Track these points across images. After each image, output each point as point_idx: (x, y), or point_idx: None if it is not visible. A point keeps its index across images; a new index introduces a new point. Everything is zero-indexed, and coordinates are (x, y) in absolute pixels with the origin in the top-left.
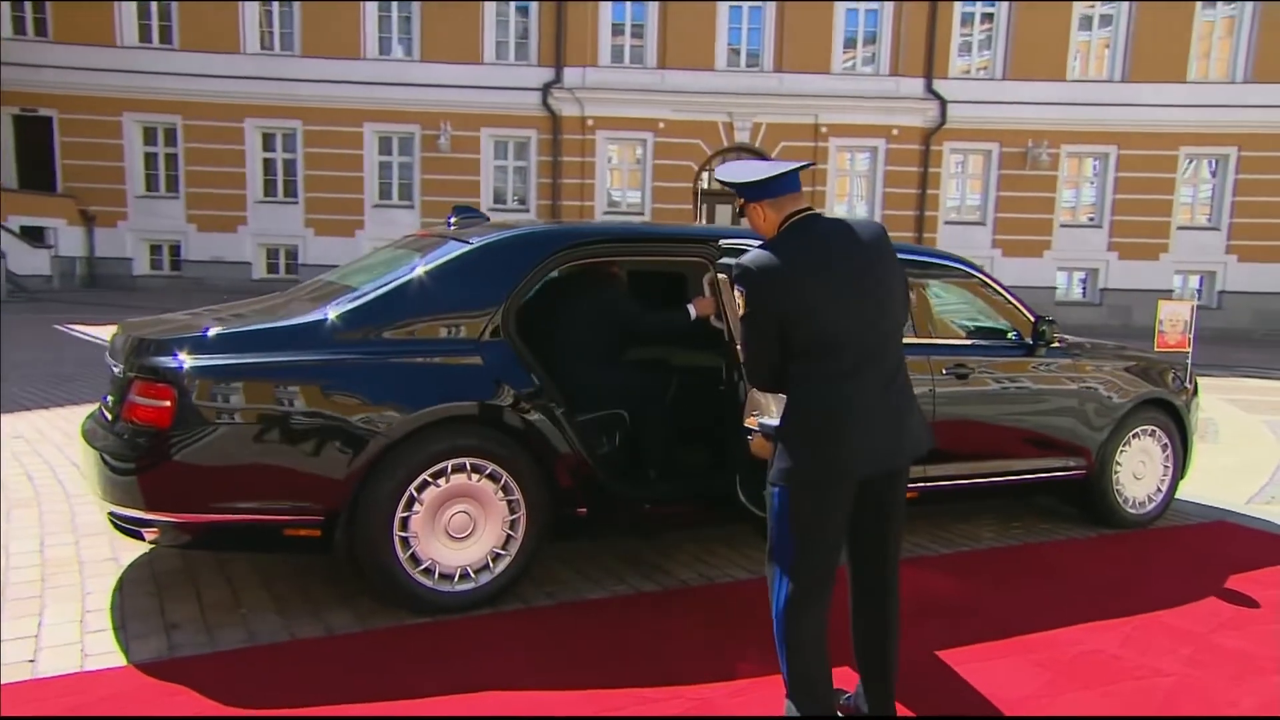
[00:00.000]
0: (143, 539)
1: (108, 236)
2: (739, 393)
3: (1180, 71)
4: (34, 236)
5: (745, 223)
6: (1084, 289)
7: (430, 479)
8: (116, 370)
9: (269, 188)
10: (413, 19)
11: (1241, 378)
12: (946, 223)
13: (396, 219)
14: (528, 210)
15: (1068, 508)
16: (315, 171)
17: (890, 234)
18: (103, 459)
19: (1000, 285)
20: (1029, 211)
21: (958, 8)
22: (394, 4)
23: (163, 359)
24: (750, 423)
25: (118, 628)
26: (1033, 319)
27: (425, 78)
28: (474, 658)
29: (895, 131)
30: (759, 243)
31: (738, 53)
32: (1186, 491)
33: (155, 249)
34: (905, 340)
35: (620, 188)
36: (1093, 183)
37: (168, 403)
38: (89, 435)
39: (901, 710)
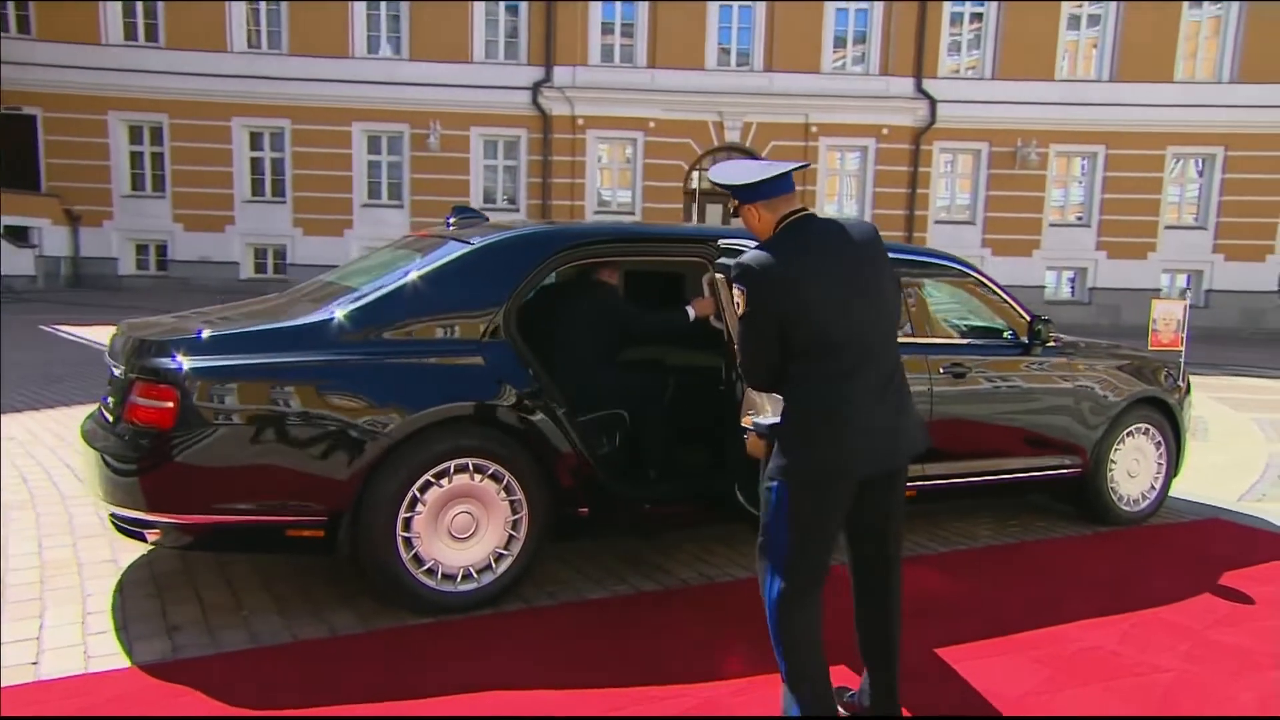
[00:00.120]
0: (145, 540)
1: (93, 236)
2: (737, 392)
3: (1167, 71)
4: (18, 236)
5: (736, 222)
6: (1072, 288)
7: (433, 479)
8: (117, 372)
9: (257, 187)
10: (401, 17)
11: (1230, 376)
12: (936, 222)
13: (386, 218)
14: (518, 210)
15: (1063, 506)
16: (304, 171)
17: (880, 234)
18: (104, 460)
19: (996, 284)
20: (1018, 211)
21: (947, 7)
22: (382, 3)
23: (165, 360)
24: (745, 422)
25: (120, 629)
26: (1029, 318)
27: (414, 77)
28: (478, 658)
29: (885, 131)
30: (756, 243)
31: (728, 52)
32: (1179, 489)
33: (141, 249)
34: (903, 340)
35: (610, 187)
36: (1081, 182)
37: (170, 404)
38: (89, 436)
39: (903, 710)
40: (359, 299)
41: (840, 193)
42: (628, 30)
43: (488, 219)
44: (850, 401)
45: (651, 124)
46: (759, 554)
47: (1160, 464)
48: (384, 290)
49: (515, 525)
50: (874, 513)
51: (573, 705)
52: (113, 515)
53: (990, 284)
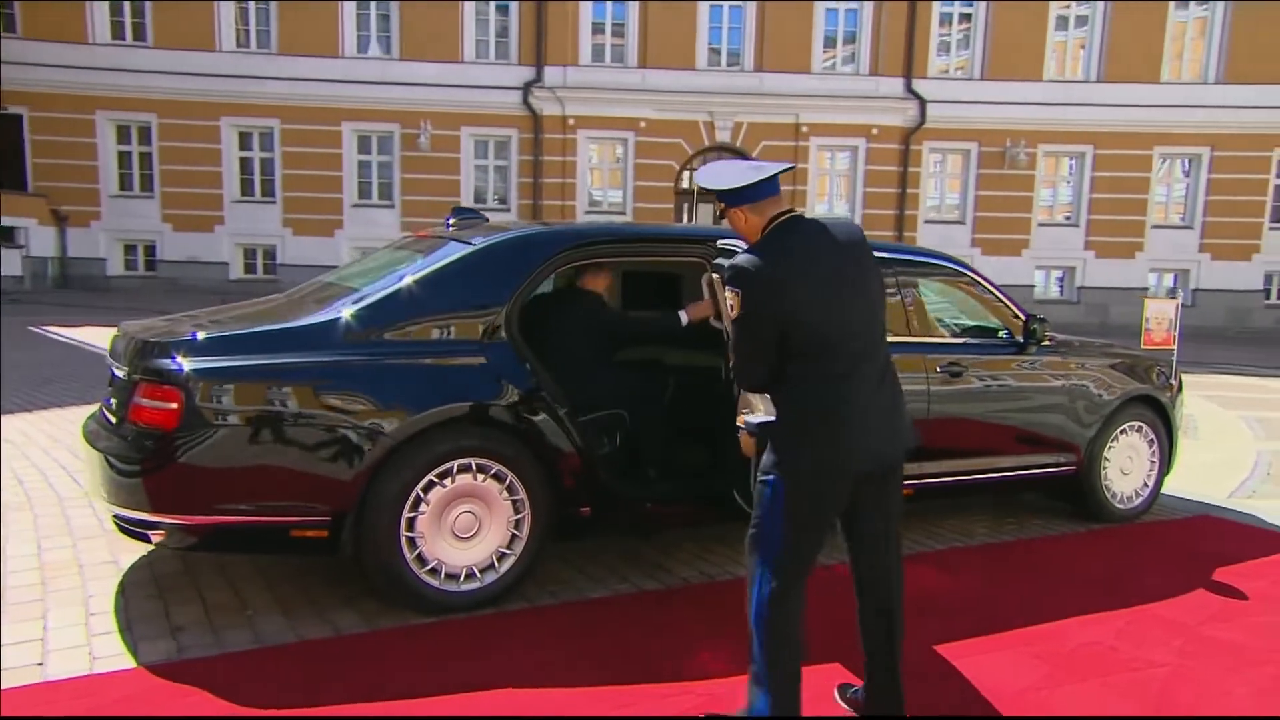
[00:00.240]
0: (149, 541)
1: (80, 236)
2: (734, 392)
3: (1154, 72)
4: (4, 237)
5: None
6: (1061, 287)
7: (436, 479)
8: (120, 373)
9: (246, 187)
10: (391, 17)
11: (1217, 374)
12: (926, 222)
13: (376, 219)
14: (509, 210)
15: (1058, 503)
16: (293, 171)
17: (871, 233)
18: (107, 461)
19: (991, 284)
20: (1007, 210)
21: (936, 8)
22: (372, 2)
23: (168, 361)
24: (739, 421)
25: (124, 630)
26: (1024, 317)
27: (404, 76)
28: (481, 657)
29: (875, 131)
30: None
31: (718, 52)
32: (1170, 486)
33: (130, 249)
34: (902, 339)
35: (601, 187)
36: (1069, 182)
37: (174, 405)
38: (91, 437)
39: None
40: (362, 300)
41: (830, 193)
42: (618, 30)
43: (487, 219)
44: (847, 401)
45: (642, 124)
46: (749, 548)
47: (1153, 461)
48: (387, 291)
49: (518, 525)
50: (871, 512)
51: (575, 703)
52: (116, 516)
53: (985, 283)
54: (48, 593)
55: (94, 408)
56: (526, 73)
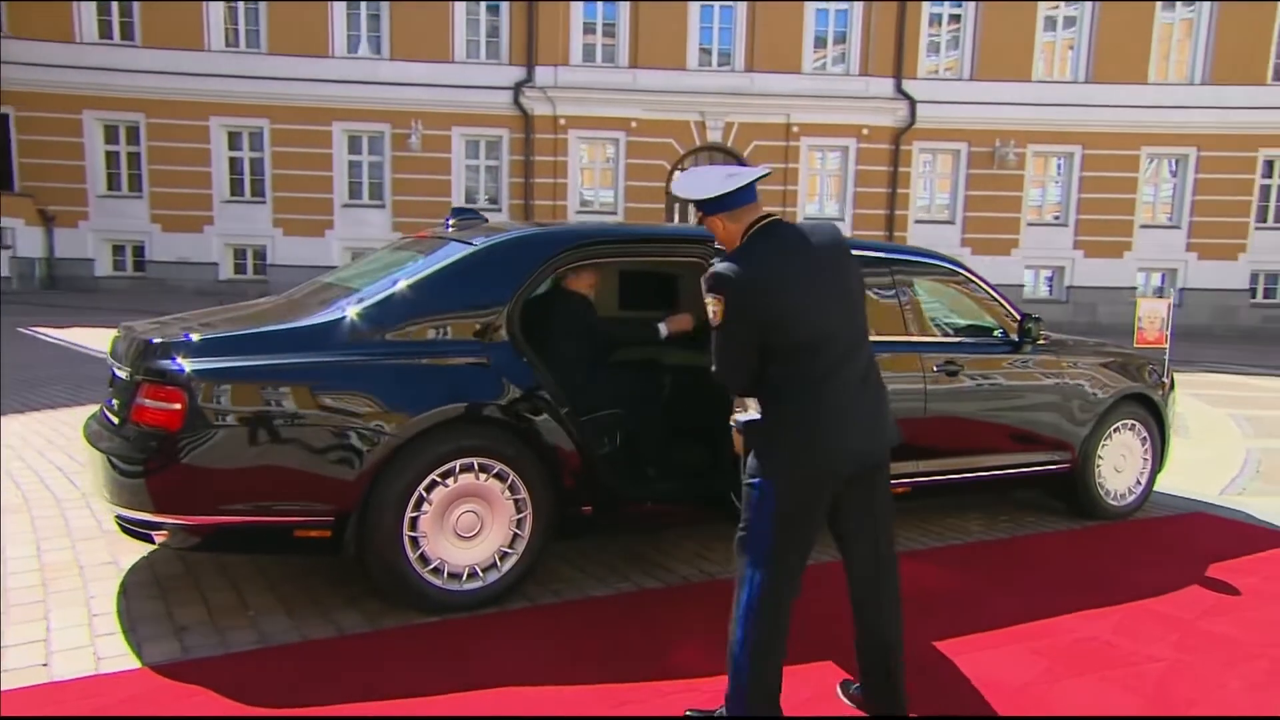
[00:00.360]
0: (152, 541)
1: (68, 237)
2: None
3: (1141, 73)
4: None
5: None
6: (1050, 286)
7: (439, 479)
8: (121, 374)
9: (236, 187)
10: (381, 17)
11: (1205, 373)
12: (916, 221)
13: (367, 219)
14: (500, 210)
15: (1052, 501)
16: (283, 171)
17: (861, 233)
18: (110, 462)
19: (986, 283)
20: (997, 210)
21: (926, 8)
22: (362, 2)
23: (171, 362)
24: (731, 420)
25: (127, 631)
26: (1019, 317)
27: (395, 76)
28: (484, 655)
29: (865, 131)
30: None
31: (709, 52)
32: (1163, 484)
33: (118, 249)
34: (898, 338)
35: (592, 187)
36: (1058, 182)
37: (177, 405)
38: (93, 438)
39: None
40: (364, 301)
41: (821, 193)
42: (609, 30)
43: (486, 220)
44: (830, 402)
45: (633, 124)
46: (738, 549)
47: (1146, 459)
48: (389, 292)
49: (520, 524)
50: (860, 512)
51: (578, 701)
52: (119, 517)
53: (981, 283)
54: (49, 594)
55: (87, 409)
56: (517, 73)
